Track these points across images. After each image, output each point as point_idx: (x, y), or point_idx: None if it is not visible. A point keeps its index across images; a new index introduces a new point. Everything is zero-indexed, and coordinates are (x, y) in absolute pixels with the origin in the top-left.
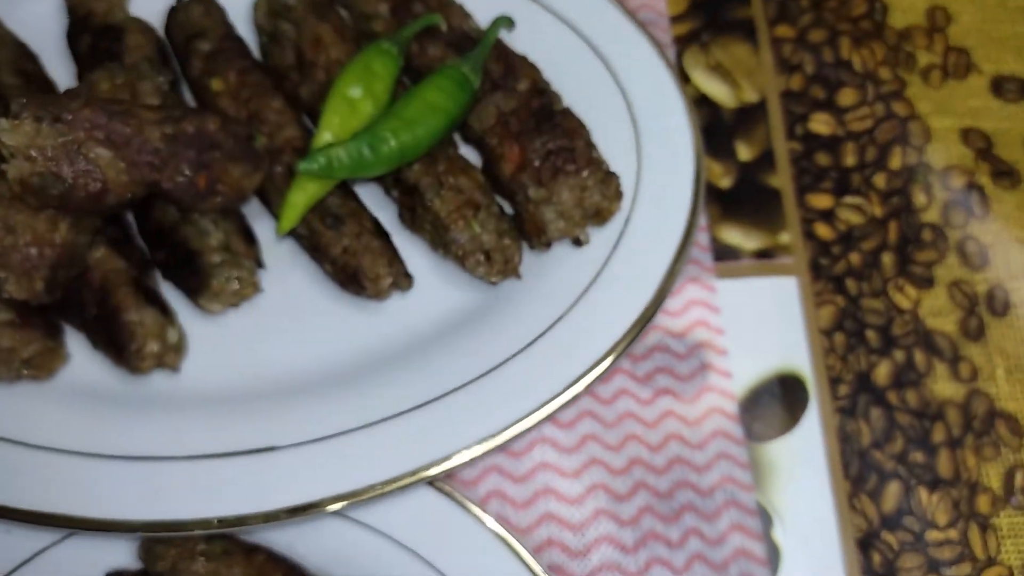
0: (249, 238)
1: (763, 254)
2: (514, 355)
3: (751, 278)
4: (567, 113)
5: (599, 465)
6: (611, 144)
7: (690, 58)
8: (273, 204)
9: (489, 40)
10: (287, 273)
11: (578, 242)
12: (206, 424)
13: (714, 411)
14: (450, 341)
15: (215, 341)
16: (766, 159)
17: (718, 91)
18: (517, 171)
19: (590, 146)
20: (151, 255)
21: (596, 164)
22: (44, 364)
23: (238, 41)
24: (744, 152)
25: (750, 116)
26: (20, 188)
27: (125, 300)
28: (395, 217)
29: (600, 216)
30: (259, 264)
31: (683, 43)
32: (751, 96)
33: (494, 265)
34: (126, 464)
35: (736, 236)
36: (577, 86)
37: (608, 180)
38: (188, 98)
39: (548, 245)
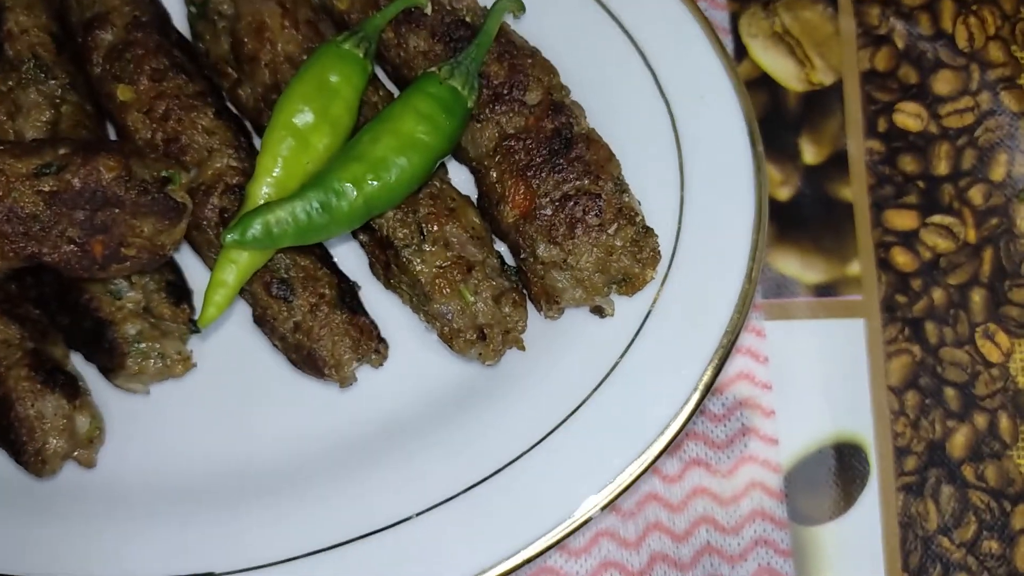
0: (178, 293)
1: (825, 290)
2: (518, 457)
3: (808, 320)
4: (591, 139)
5: (615, 569)
6: (642, 168)
7: (748, 23)
8: (206, 258)
9: (490, 32)
10: (232, 336)
11: (599, 312)
12: (127, 538)
13: (754, 487)
14: (435, 432)
15: (140, 422)
16: (837, 163)
17: (782, 69)
18: (522, 219)
19: (620, 187)
20: (53, 318)
21: (628, 216)
22: None
23: (156, 25)
24: (810, 153)
25: (820, 104)
26: None
27: (17, 386)
28: (365, 263)
29: (629, 285)
30: (193, 328)
31: (740, 1)
32: (824, 77)
33: (490, 344)
34: None
35: (793, 265)
36: (597, 80)
37: (643, 240)
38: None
39: (560, 312)
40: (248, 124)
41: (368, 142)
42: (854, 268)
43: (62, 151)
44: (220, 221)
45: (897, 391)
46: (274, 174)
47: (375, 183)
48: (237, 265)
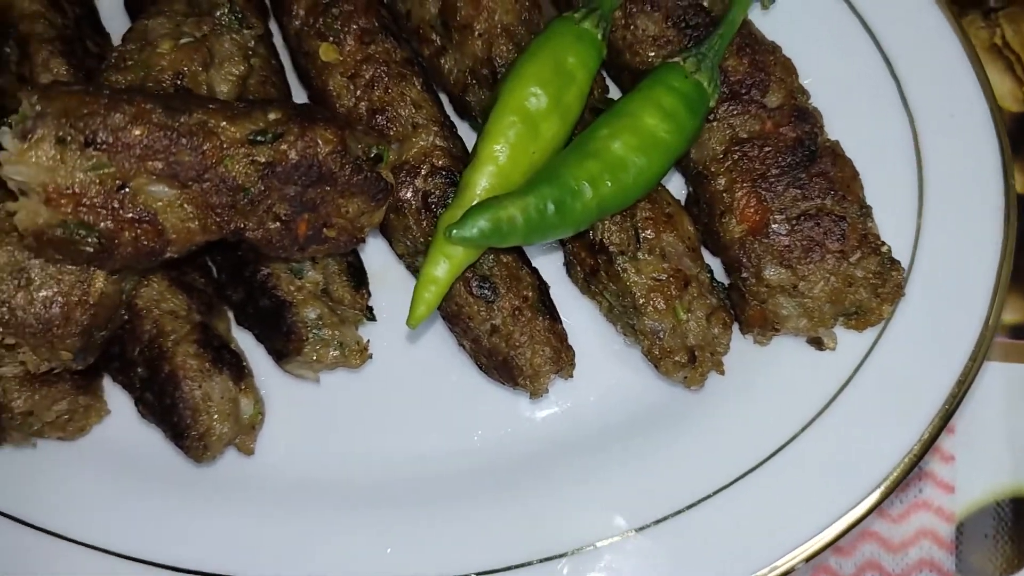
0: (358, 277)
1: (1021, 331)
2: (712, 494)
3: (1000, 363)
4: (836, 153)
5: None
6: (876, 187)
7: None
8: (398, 243)
9: (735, 22)
10: (404, 329)
11: (817, 344)
12: (280, 531)
13: (924, 535)
14: (619, 455)
15: (301, 415)
16: None
17: (996, 85)
18: (750, 235)
19: (865, 212)
20: (223, 290)
21: (872, 244)
22: (75, 424)
23: None
24: (1020, 182)
25: None
26: (35, 242)
27: (185, 364)
28: (558, 265)
29: (861, 320)
30: (369, 316)
31: (960, 6)
32: None
33: (699, 368)
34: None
35: None
36: (833, 84)
37: (887, 273)
38: (285, 63)
39: (771, 338)
40: (445, 98)
41: (605, 138)
42: None
43: (272, 116)
44: (423, 205)
45: None
46: (499, 162)
47: (611, 184)
48: (451, 261)
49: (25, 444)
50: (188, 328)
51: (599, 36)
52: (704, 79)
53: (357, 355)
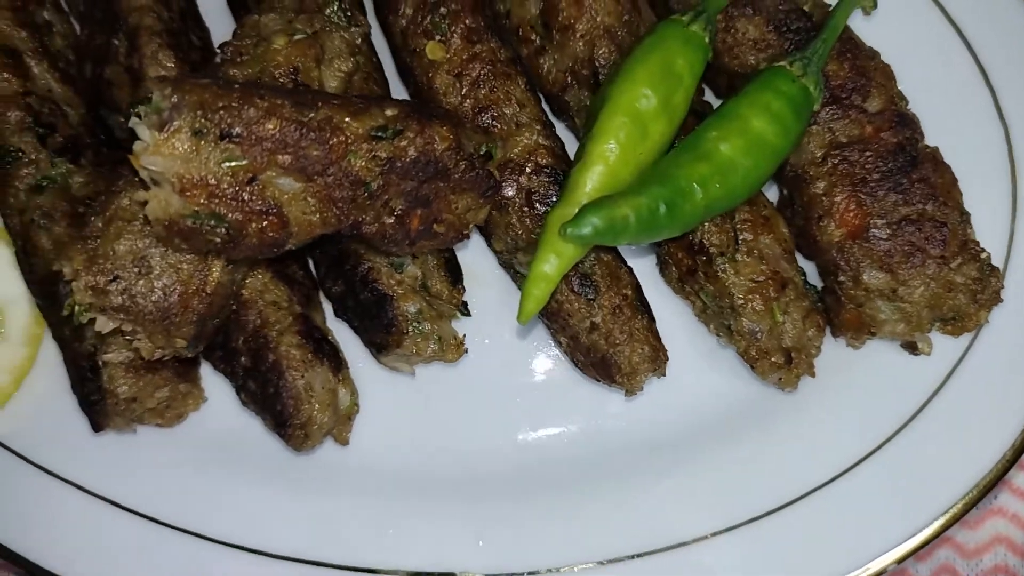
0: (455, 272)
1: None
2: (804, 495)
3: None
4: (937, 160)
5: None
6: (969, 195)
7: None
8: (497, 239)
9: (837, 27)
10: (498, 324)
11: (911, 348)
12: (373, 521)
13: (999, 541)
14: (709, 454)
15: (394, 407)
16: None
17: None
18: (849, 239)
19: (965, 218)
20: (322, 283)
21: (972, 251)
22: (173, 411)
23: None
24: None
25: None
26: (165, 231)
27: (289, 355)
28: (647, 265)
29: (957, 325)
30: (463, 311)
31: None
32: None
33: (795, 369)
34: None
35: None
36: (926, 92)
37: (986, 279)
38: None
39: (864, 342)
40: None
41: (714, 140)
42: None
43: (389, 112)
44: (526, 203)
45: None
46: (609, 161)
47: (720, 186)
48: (560, 259)
49: (127, 429)
50: (290, 319)
51: (706, 39)
52: (810, 83)
53: (454, 349)
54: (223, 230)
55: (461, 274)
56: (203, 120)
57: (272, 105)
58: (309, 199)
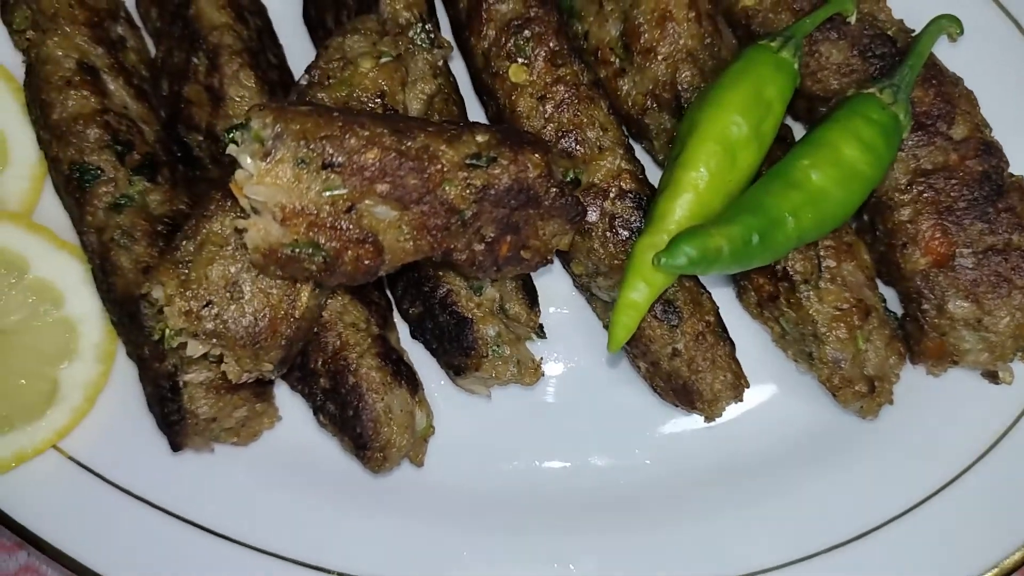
0: (532, 294)
1: None
2: (883, 524)
3: None
4: (1022, 188)
5: None
6: None
7: None
8: (577, 264)
9: (923, 53)
10: (571, 345)
11: (992, 377)
12: (447, 544)
13: None
14: (785, 480)
15: (468, 429)
16: None
17: None
18: (935, 267)
19: None
20: (398, 304)
21: None
22: (249, 429)
23: (548, 4)
24: None
25: None
26: (263, 259)
27: (369, 377)
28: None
29: None
30: (540, 333)
31: None
32: None
33: (878, 398)
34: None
35: None
36: (1002, 120)
37: None
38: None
39: (944, 371)
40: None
41: (806, 168)
42: None
43: (480, 138)
44: (608, 228)
45: None
46: (699, 189)
47: (812, 215)
48: (650, 287)
49: (204, 449)
50: (369, 341)
51: (796, 65)
52: (900, 111)
53: (532, 373)
54: (320, 259)
55: (537, 296)
56: (306, 150)
57: (372, 134)
58: (404, 227)
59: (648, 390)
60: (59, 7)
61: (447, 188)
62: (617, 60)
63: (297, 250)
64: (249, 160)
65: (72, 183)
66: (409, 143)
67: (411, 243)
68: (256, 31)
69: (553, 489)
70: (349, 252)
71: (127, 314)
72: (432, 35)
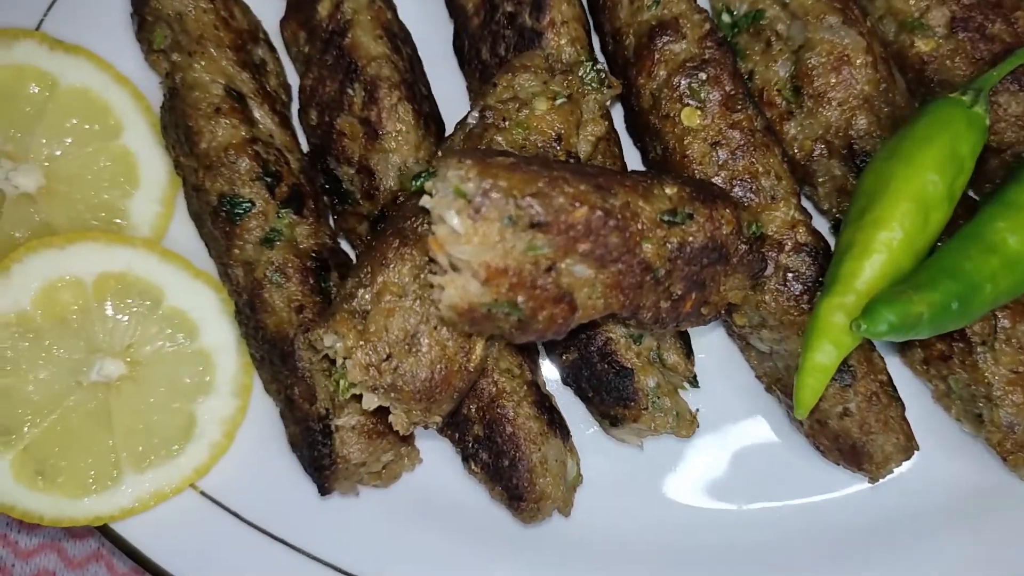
0: (688, 343)
1: None
2: None
3: None
4: None
5: None
6: None
7: None
8: (741, 316)
9: None
10: (721, 394)
11: None
12: None
13: None
14: (948, 538)
15: (613, 477)
16: None
17: None
18: None
19: None
20: (550, 349)
21: None
22: (391, 471)
23: (724, 45)
24: None
25: None
26: (458, 318)
27: (527, 427)
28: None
29: None
30: (693, 383)
31: None
32: None
33: None
34: None
35: None
36: None
37: None
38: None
39: None
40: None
41: (1002, 232)
42: None
43: (669, 191)
44: (782, 282)
45: None
46: (892, 249)
47: (1009, 280)
48: (839, 349)
49: (351, 492)
50: (525, 388)
51: (987, 121)
52: None
53: (688, 424)
54: (516, 317)
55: (691, 345)
56: (515, 208)
57: (577, 191)
58: (598, 285)
59: (804, 442)
60: (204, 28)
61: (645, 246)
62: (784, 102)
63: (495, 309)
64: (456, 219)
65: (221, 216)
66: (613, 200)
67: (602, 300)
68: (408, 61)
69: (701, 537)
70: (545, 311)
71: (278, 354)
72: (603, 74)
